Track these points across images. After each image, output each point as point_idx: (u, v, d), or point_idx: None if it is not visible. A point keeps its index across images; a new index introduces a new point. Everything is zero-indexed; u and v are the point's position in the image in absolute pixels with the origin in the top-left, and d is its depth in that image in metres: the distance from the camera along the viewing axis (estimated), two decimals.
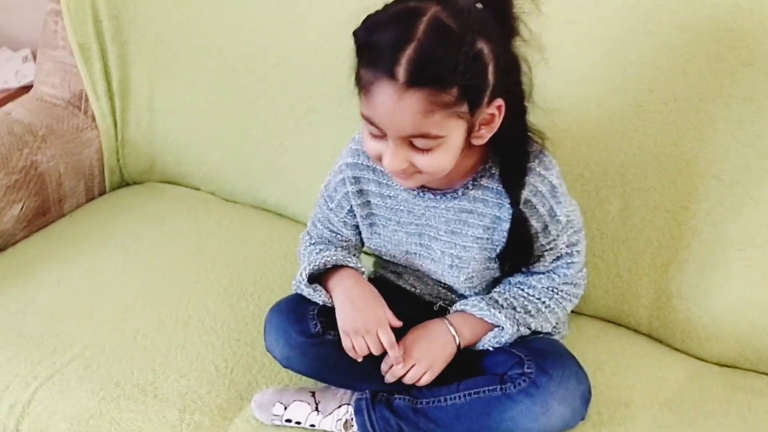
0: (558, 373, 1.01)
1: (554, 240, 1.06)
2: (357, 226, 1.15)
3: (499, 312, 1.07)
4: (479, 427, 1.02)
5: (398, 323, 1.06)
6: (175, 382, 1.17)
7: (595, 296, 1.28)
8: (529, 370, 1.01)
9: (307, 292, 1.09)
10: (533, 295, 1.10)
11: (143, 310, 1.29)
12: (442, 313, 1.14)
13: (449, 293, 1.17)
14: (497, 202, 1.03)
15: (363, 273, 1.12)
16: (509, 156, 1.01)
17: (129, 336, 1.24)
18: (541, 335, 1.11)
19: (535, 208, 1.02)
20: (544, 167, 1.02)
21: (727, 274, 1.18)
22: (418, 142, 0.91)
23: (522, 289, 1.10)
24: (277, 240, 1.45)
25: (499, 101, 0.93)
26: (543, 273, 1.10)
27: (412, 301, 1.19)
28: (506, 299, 1.09)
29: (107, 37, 1.55)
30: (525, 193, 1.01)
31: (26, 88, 1.76)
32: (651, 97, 1.17)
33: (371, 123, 0.92)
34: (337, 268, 1.11)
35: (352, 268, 1.11)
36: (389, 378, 1.07)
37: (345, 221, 1.14)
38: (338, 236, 1.17)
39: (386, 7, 0.91)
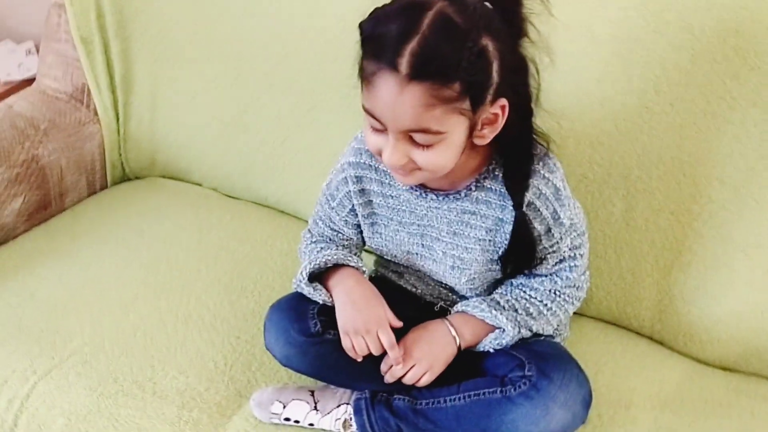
0: (559, 376, 1.00)
1: (557, 243, 1.05)
2: (358, 225, 1.14)
3: (501, 314, 1.06)
4: (479, 430, 1.02)
5: (399, 323, 1.05)
6: (174, 378, 1.17)
7: (597, 297, 1.27)
8: (529, 373, 1.01)
9: (308, 290, 1.09)
10: (535, 298, 1.09)
11: (143, 306, 1.29)
12: (443, 313, 1.13)
13: (450, 294, 1.17)
14: (500, 204, 1.03)
15: (364, 272, 1.11)
16: (513, 158, 1.00)
17: (128, 332, 1.24)
18: (543, 338, 1.11)
19: (539, 210, 1.02)
20: (549, 170, 1.01)
21: (730, 276, 1.18)
22: (418, 137, 0.91)
23: (524, 291, 1.10)
24: (279, 237, 1.44)
25: (503, 101, 0.92)
26: (545, 275, 1.10)
27: (412, 302, 1.18)
28: (508, 301, 1.09)
29: (110, 31, 1.54)
30: (528, 196, 1.00)
31: (29, 81, 1.75)
32: (656, 99, 1.16)
33: (372, 116, 0.92)
34: (338, 267, 1.11)
35: (353, 267, 1.11)
36: (389, 378, 1.07)
37: (346, 220, 1.14)
38: (339, 235, 1.16)
39: (394, 0, 0.90)
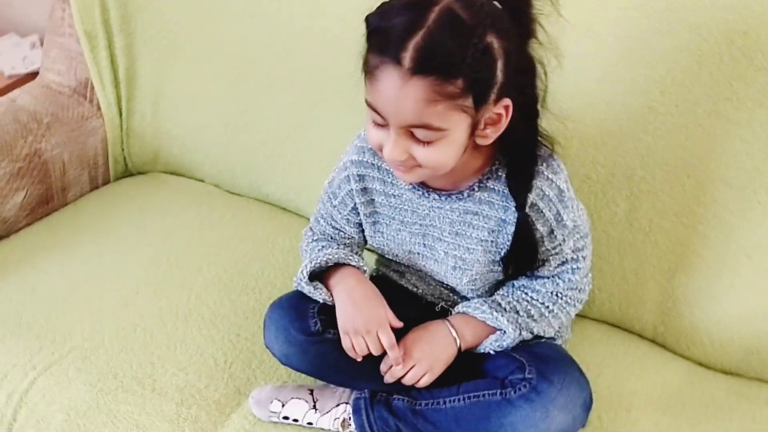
0: (559, 379, 0.99)
1: (560, 245, 1.04)
2: (360, 224, 1.14)
3: (502, 315, 1.06)
4: (478, 431, 1.01)
5: (399, 324, 1.05)
6: (173, 375, 1.16)
7: (599, 299, 1.26)
8: (530, 376, 1.00)
9: (308, 289, 1.08)
10: (537, 300, 1.08)
11: (143, 302, 1.28)
12: (444, 314, 1.13)
13: (452, 294, 1.16)
14: (503, 204, 1.02)
15: (365, 272, 1.11)
16: (517, 159, 1.00)
17: (128, 328, 1.24)
18: (544, 340, 1.10)
19: (542, 212, 1.01)
20: (552, 171, 1.00)
21: (734, 280, 1.17)
22: (419, 133, 0.90)
23: (526, 293, 1.09)
24: (281, 234, 1.44)
25: (507, 101, 0.91)
26: (547, 277, 1.09)
27: (413, 301, 1.18)
28: (509, 303, 1.08)
29: (114, 26, 1.54)
30: (532, 197, 1.00)
31: (33, 75, 1.75)
32: (661, 99, 1.15)
33: (374, 110, 0.91)
34: (338, 266, 1.10)
35: (354, 266, 1.10)
36: (388, 378, 1.06)
37: (348, 218, 1.13)
38: (341, 233, 1.16)
39: None
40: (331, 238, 1.16)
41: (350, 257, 1.10)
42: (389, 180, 1.07)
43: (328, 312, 1.08)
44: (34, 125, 1.49)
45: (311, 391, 1.11)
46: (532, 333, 1.08)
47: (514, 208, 1.01)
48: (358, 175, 1.08)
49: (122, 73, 1.57)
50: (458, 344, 1.07)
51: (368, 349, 1.03)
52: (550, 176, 1.00)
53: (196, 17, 1.49)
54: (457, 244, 1.07)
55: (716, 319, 1.19)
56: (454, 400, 1.04)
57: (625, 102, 1.17)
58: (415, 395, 1.07)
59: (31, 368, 1.18)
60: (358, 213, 1.12)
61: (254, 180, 1.53)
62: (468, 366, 1.09)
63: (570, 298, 1.09)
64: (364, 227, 1.14)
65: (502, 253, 1.05)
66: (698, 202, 1.17)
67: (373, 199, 1.10)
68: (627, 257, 1.23)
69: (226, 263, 1.37)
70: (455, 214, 1.05)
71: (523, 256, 1.04)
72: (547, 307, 1.08)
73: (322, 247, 1.13)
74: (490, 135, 0.95)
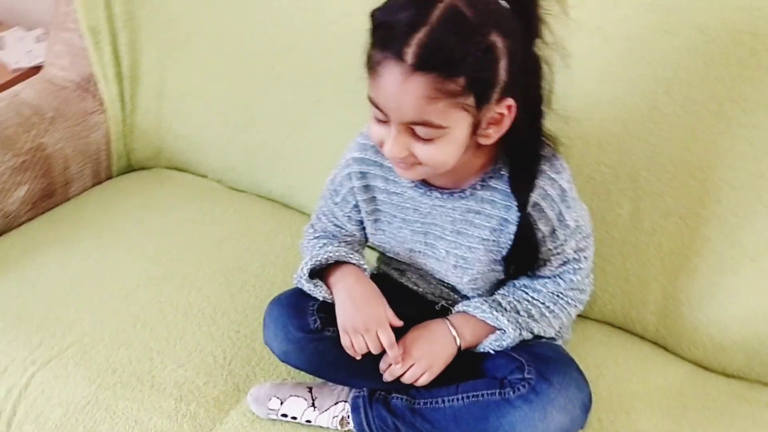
0: (558, 380, 0.99)
1: (562, 244, 1.04)
2: (361, 222, 1.13)
3: (502, 315, 1.05)
4: (476, 431, 1.01)
5: (399, 323, 1.04)
6: (172, 371, 1.16)
7: (601, 300, 1.26)
8: (529, 376, 1.00)
9: (308, 287, 1.08)
10: (537, 300, 1.08)
11: (144, 297, 1.28)
12: (444, 313, 1.12)
13: (452, 293, 1.16)
14: (505, 204, 1.02)
15: (365, 270, 1.10)
16: (520, 158, 0.99)
17: (128, 323, 1.23)
18: (544, 340, 1.10)
19: (544, 211, 1.00)
20: (555, 171, 1.00)
21: (737, 283, 1.16)
22: (419, 130, 0.90)
23: (526, 293, 1.09)
24: (282, 231, 1.44)
25: (510, 101, 0.91)
26: (549, 277, 1.08)
27: (414, 300, 1.17)
28: (510, 302, 1.08)
29: (118, 22, 1.54)
30: (534, 196, 0.99)
31: (38, 68, 1.75)
32: (667, 100, 1.14)
33: (376, 106, 0.91)
34: (339, 264, 1.10)
35: (354, 264, 1.10)
36: (387, 377, 1.06)
37: (349, 216, 1.13)
38: (342, 231, 1.15)
39: None
40: (333, 235, 1.16)
41: (351, 255, 1.10)
42: (391, 177, 1.07)
43: (327, 310, 1.07)
44: (37, 119, 1.49)
45: (310, 389, 1.11)
46: (532, 333, 1.07)
47: (516, 208, 1.00)
48: (360, 173, 1.08)
49: (126, 68, 1.57)
50: (458, 343, 1.06)
51: (367, 348, 1.03)
52: (553, 176, 0.99)
53: (199, 14, 1.49)
54: (458, 242, 1.06)
55: (718, 322, 1.18)
56: (452, 400, 1.04)
57: (630, 102, 1.16)
58: (414, 394, 1.06)
59: (31, 363, 1.18)
60: (360, 210, 1.12)
61: (256, 176, 1.53)
62: (467, 365, 1.08)
63: (571, 298, 1.08)
64: (365, 225, 1.13)
65: (504, 253, 1.05)
66: (702, 204, 1.16)
67: (375, 197, 1.09)
68: (630, 258, 1.22)
69: (227, 259, 1.36)
70: (457, 213, 1.04)
71: (524, 256, 1.04)
72: (548, 307, 1.08)
73: (323, 244, 1.13)
74: (492, 134, 0.94)
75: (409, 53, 0.84)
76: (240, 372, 1.17)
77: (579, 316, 1.16)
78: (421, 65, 0.84)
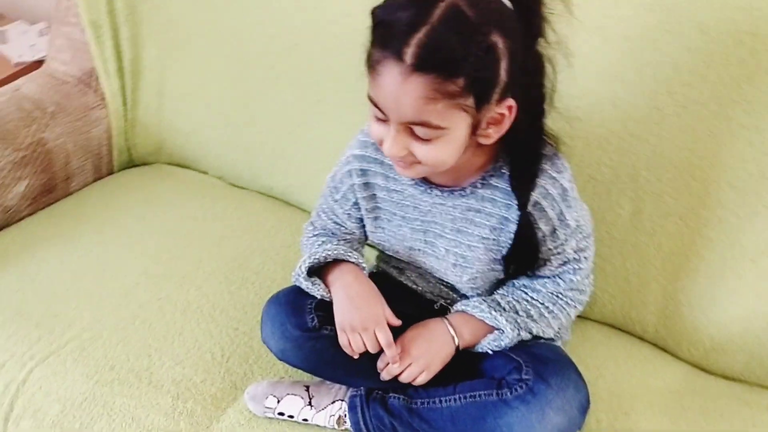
0: (556, 381, 0.98)
1: (562, 244, 1.03)
2: (361, 219, 1.13)
3: (501, 315, 1.05)
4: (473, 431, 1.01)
5: (397, 322, 1.04)
6: (170, 368, 1.16)
7: (601, 301, 1.25)
8: (526, 377, 0.99)
9: (306, 285, 1.07)
10: (537, 300, 1.07)
11: (143, 293, 1.28)
12: (443, 312, 1.12)
13: (451, 292, 1.15)
14: (506, 202, 1.01)
15: (364, 269, 1.10)
16: (521, 157, 0.99)
17: (127, 320, 1.23)
18: (543, 340, 1.09)
19: (545, 210, 1.00)
20: (557, 170, 0.99)
21: (737, 284, 1.16)
22: (418, 131, 0.90)
23: (525, 293, 1.08)
24: (282, 228, 1.44)
25: (511, 102, 0.90)
26: (548, 277, 1.08)
27: (412, 299, 1.17)
28: (509, 302, 1.07)
29: (120, 17, 1.53)
30: (535, 195, 0.99)
31: (40, 63, 1.75)
32: (668, 100, 1.14)
33: (375, 105, 0.91)
34: (338, 262, 1.09)
35: (352, 263, 1.09)
36: (385, 376, 1.05)
37: (349, 213, 1.13)
38: (342, 228, 1.15)
39: None
40: (332, 233, 1.16)
41: (349, 253, 1.09)
42: (391, 175, 1.06)
43: (325, 308, 1.07)
44: (38, 114, 1.49)
45: (307, 388, 1.11)
46: (531, 333, 1.07)
47: (516, 206, 1.00)
48: (361, 170, 1.08)
49: (127, 63, 1.57)
50: (456, 343, 1.06)
51: (365, 347, 1.02)
52: (554, 175, 0.99)
53: (201, 10, 1.49)
54: (458, 241, 1.06)
55: (718, 324, 1.18)
56: (450, 400, 1.03)
57: (631, 102, 1.16)
58: (411, 394, 1.06)
59: (29, 358, 1.18)
60: (360, 208, 1.11)
61: (257, 173, 1.53)
62: (466, 365, 1.08)
63: (570, 299, 1.08)
64: (365, 222, 1.13)
65: (504, 252, 1.04)
66: (703, 204, 1.15)
67: (375, 194, 1.09)
68: (630, 259, 1.22)
69: (227, 256, 1.36)
70: (457, 211, 1.04)
71: (524, 255, 1.03)
72: (547, 307, 1.07)
73: (322, 242, 1.13)
74: (492, 134, 0.94)
75: (409, 53, 0.84)
76: (238, 370, 1.17)
77: (579, 316, 1.15)
78: (420, 66, 0.84)
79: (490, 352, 1.06)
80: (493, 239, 1.04)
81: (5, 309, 1.25)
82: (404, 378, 1.05)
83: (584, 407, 1.01)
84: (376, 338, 1.02)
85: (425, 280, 1.17)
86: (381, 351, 1.03)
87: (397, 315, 1.05)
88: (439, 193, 1.04)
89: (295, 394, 1.10)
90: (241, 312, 1.25)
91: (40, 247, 1.38)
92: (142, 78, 1.57)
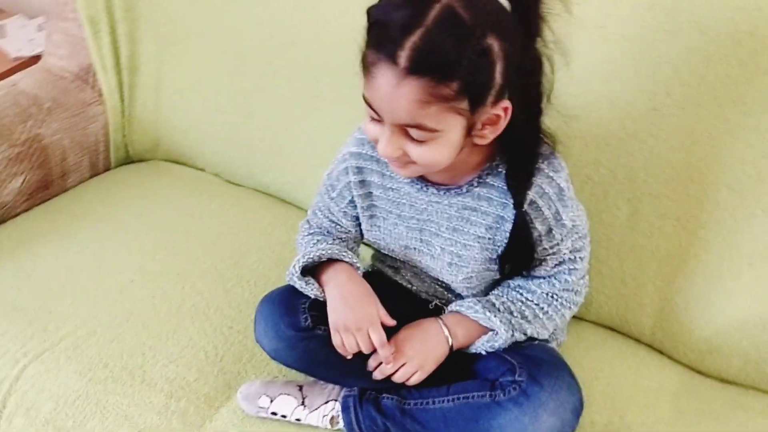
0: (550, 383, 0.98)
1: (558, 244, 1.03)
2: (357, 218, 1.12)
3: (495, 316, 1.04)
4: None
5: (391, 322, 1.04)
6: (164, 367, 1.16)
7: (597, 302, 1.25)
8: (520, 378, 0.99)
9: (300, 284, 1.07)
10: (531, 300, 1.07)
11: (138, 291, 1.28)
12: (437, 312, 1.12)
13: (446, 292, 1.15)
14: (502, 201, 1.01)
15: (358, 269, 1.09)
16: (517, 156, 0.98)
17: (121, 317, 1.23)
18: (537, 342, 1.09)
19: (541, 210, 0.99)
20: (553, 169, 0.99)
21: (734, 287, 1.15)
22: (413, 133, 0.89)
23: (520, 294, 1.08)
24: (278, 226, 1.43)
25: (506, 103, 0.90)
26: (543, 278, 1.07)
27: (407, 298, 1.17)
28: (503, 303, 1.07)
29: (117, 12, 1.53)
30: (531, 194, 0.98)
31: (39, 57, 1.74)
32: (666, 101, 1.13)
33: (370, 106, 0.90)
34: (332, 261, 1.09)
35: (347, 263, 1.09)
36: (377, 375, 1.05)
37: (345, 211, 1.12)
38: (338, 227, 1.15)
39: None
40: (327, 231, 1.15)
41: (344, 253, 1.09)
42: (387, 173, 1.06)
43: (319, 308, 1.06)
44: (35, 110, 1.49)
45: (300, 388, 1.10)
46: (525, 334, 1.06)
47: (512, 206, 0.99)
48: (357, 167, 1.07)
49: (124, 59, 1.56)
50: (450, 343, 1.06)
51: (358, 347, 1.02)
52: (550, 174, 0.98)
53: (199, 6, 1.48)
54: (454, 240, 1.05)
55: (715, 326, 1.17)
56: (443, 401, 1.03)
57: (629, 102, 1.15)
58: (405, 394, 1.06)
59: (23, 355, 1.18)
60: (356, 206, 1.11)
61: (254, 171, 1.52)
62: (460, 365, 1.08)
63: (565, 299, 1.07)
64: (360, 221, 1.12)
65: (499, 251, 1.04)
66: (701, 206, 1.15)
67: (371, 192, 1.09)
68: (627, 260, 1.21)
69: (222, 254, 1.36)
70: (453, 210, 1.03)
71: (519, 255, 1.03)
72: (542, 308, 1.07)
73: (317, 241, 1.12)
74: (487, 135, 0.93)
75: (403, 56, 0.83)
76: (231, 369, 1.16)
77: (574, 317, 1.15)
78: (414, 69, 0.83)
79: (484, 353, 1.06)
80: (489, 238, 1.03)
81: (0, 305, 1.25)
82: (398, 378, 1.04)
83: (578, 410, 1.00)
84: (370, 338, 1.01)
85: (420, 279, 1.16)
86: (375, 351, 1.03)
87: (392, 315, 1.04)
88: (435, 191, 1.03)
89: (288, 394, 1.09)
90: (236, 310, 1.25)
91: (35, 244, 1.38)
92: (139, 74, 1.57)
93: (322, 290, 1.07)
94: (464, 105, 0.86)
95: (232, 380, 1.15)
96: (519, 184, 0.98)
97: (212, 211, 1.47)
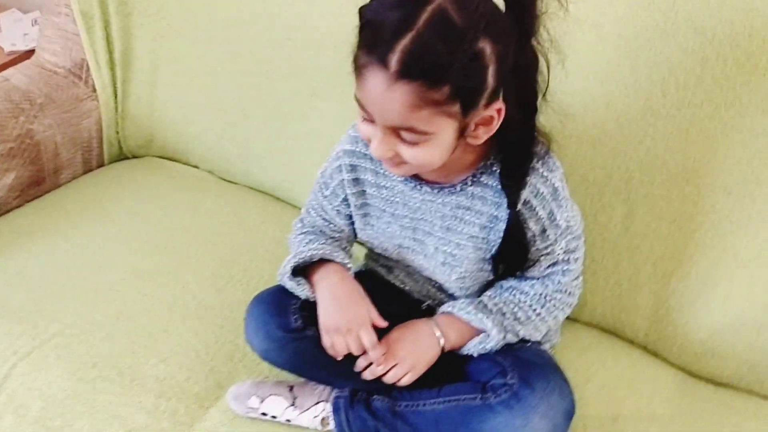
0: (541, 386, 0.97)
1: (552, 245, 1.02)
2: (350, 216, 1.12)
3: (487, 317, 1.03)
4: None
5: (383, 323, 1.03)
6: (154, 366, 1.15)
7: (592, 303, 1.24)
8: (511, 381, 0.98)
9: (291, 285, 1.06)
10: (524, 302, 1.06)
11: (129, 289, 1.27)
12: (430, 312, 1.11)
13: (439, 293, 1.14)
14: (496, 201, 1.00)
15: (349, 269, 1.08)
16: (512, 155, 0.97)
17: (112, 316, 1.22)
18: (529, 344, 1.08)
19: (535, 209, 0.98)
20: (548, 169, 0.98)
21: (729, 290, 1.14)
22: (405, 135, 0.88)
23: (513, 295, 1.07)
24: (272, 224, 1.42)
25: (499, 104, 0.89)
26: (537, 279, 1.06)
27: (400, 298, 1.16)
28: (496, 304, 1.06)
29: (111, 7, 1.51)
30: (525, 194, 0.97)
31: (33, 52, 1.73)
32: (662, 101, 1.12)
33: (362, 107, 0.89)
34: (323, 261, 1.08)
35: (338, 263, 1.08)
36: (368, 375, 1.04)
37: (338, 210, 1.11)
38: (331, 225, 1.14)
39: None
40: (320, 230, 1.14)
41: (336, 253, 1.08)
42: (381, 171, 1.05)
43: (310, 308, 1.05)
44: (27, 105, 1.47)
45: (291, 388, 1.10)
46: (517, 336, 1.05)
47: (506, 205, 0.98)
48: (350, 165, 1.06)
49: (118, 55, 1.55)
50: (442, 344, 1.05)
51: (348, 349, 1.01)
52: (545, 173, 0.98)
53: (194, 2, 1.46)
54: (447, 239, 1.04)
55: (709, 329, 1.16)
56: (434, 403, 1.02)
57: (625, 103, 1.14)
58: (396, 396, 1.05)
59: (12, 353, 1.17)
60: (349, 205, 1.10)
61: (248, 168, 1.51)
62: (453, 366, 1.07)
63: (558, 301, 1.07)
64: (354, 219, 1.11)
65: (493, 251, 1.03)
66: (696, 208, 1.14)
67: (365, 191, 1.08)
68: (621, 262, 1.20)
69: (215, 252, 1.35)
70: (447, 208, 1.03)
71: (513, 255, 1.02)
72: (535, 309, 1.06)
73: (309, 240, 1.11)
74: (481, 135, 0.92)
75: (394, 60, 0.82)
76: (222, 368, 1.16)
77: (568, 319, 1.14)
78: (405, 73, 0.82)
79: (476, 354, 1.05)
80: (483, 238, 1.03)
81: None
82: (389, 379, 1.04)
83: (569, 413, 1.00)
84: (360, 340, 1.00)
85: (413, 279, 1.15)
86: (365, 353, 1.02)
87: (384, 315, 1.04)
88: (429, 189, 1.03)
89: (279, 395, 1.08)
90: (227, 309, 1.24)
91: (26, 240, 1.37)
92: (132, 70, 1.55)
93: (313, 291, 1.06)
94: (456, 108, 0.85)
95: (223, 380, 1.14)
96: (513, 184, 0.97)
97: (206, 209, 1.47)
